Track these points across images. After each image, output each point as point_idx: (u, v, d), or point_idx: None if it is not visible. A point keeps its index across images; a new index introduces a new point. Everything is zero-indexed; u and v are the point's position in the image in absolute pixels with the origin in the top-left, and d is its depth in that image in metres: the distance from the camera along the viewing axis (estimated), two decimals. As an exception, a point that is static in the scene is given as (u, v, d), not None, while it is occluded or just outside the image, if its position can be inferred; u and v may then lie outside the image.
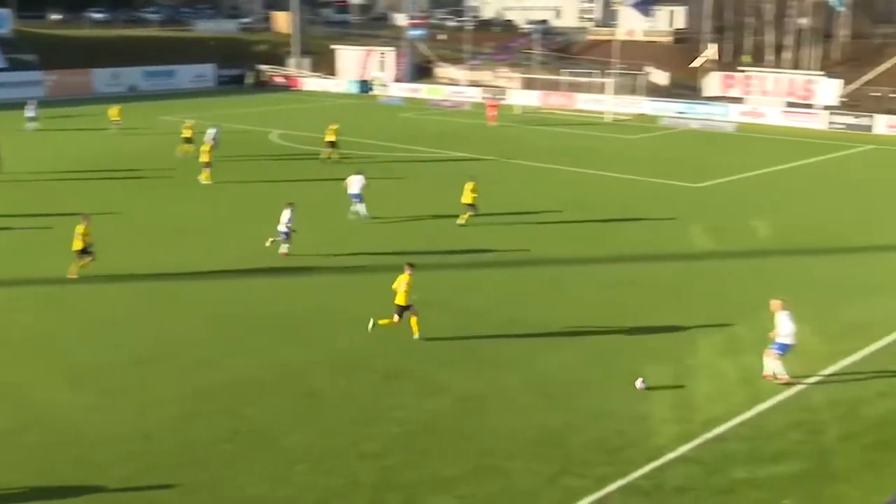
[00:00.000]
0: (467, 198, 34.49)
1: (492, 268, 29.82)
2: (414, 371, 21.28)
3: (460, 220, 34.45)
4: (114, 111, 59.51)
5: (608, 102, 71.24)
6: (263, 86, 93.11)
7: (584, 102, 74.99)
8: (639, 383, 20.11)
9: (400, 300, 23.17)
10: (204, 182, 41.82)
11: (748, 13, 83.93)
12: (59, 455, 17.23)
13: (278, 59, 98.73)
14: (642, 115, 70.91)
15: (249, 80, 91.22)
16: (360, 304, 25.53)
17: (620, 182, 43.75)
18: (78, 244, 27.90)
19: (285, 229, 30.29)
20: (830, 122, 64.34)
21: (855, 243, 32.86)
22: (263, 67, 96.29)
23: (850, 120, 63.91)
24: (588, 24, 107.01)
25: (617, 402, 19.51)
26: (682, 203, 39.07)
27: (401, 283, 23.21)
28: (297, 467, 16.75)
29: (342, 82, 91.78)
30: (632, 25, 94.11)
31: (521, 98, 76.44)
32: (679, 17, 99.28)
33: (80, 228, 28.02)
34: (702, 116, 67.94)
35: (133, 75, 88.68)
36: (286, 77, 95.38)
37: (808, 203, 39.46)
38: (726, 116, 67.71)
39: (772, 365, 20.46)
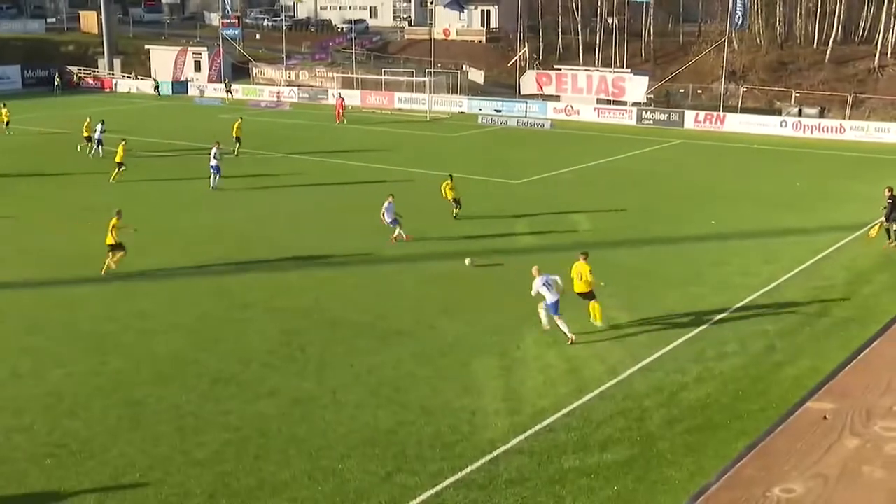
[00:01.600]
0: (448, 195, 35.74)
1: (313, 267, 29.62)
2: (241, 374, 20.90)
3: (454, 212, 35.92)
4: None
5: (427, 101, 71.85)
6: (74, 88, 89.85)
7: (403, 101, 75.40)
8: (467, 261, 23.36)
9: None
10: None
11: (559, 12, 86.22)
12: None
13: (89, 60, 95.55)
14: (461, 113, 71.79)
15: (58, 81, 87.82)
16: (176, 311, 25.12)
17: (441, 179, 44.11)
18: (111, 239, 28.04)
19: (392, 217, 31.84)
20: (641, 119, 66.59)
21: (667, 234, 34.09)
22: (73, 69, 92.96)
23: (660, 116, 66.33)
24: (404, 24, 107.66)
25: (447, 397, 19.65)
26: (502, 199, 39.72)
27: None
28: (123, 479, 16.18)
29: (157, 83, 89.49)
30: (447, 25, 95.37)
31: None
32: (492, 16, 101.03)
33: (113, 221, 27.92)
34: (519, 114, 69.27)
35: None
36: (97, 79, 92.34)
37: (621, 197, 40.67)
38: (543, 114, 69.20)
39: (556, 322, 22.57)
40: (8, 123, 59.43)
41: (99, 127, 49.69)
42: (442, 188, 35.97)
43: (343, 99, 69.53)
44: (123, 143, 43.63)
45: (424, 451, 17.23)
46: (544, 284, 22.66)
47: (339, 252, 31.29)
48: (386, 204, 32.11)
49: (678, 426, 18.21)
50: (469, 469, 16.52)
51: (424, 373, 21.03)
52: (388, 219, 31.87)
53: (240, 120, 52.12)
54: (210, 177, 41.02)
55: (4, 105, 61.27)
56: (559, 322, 22.54)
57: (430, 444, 17.52)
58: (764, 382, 20.44)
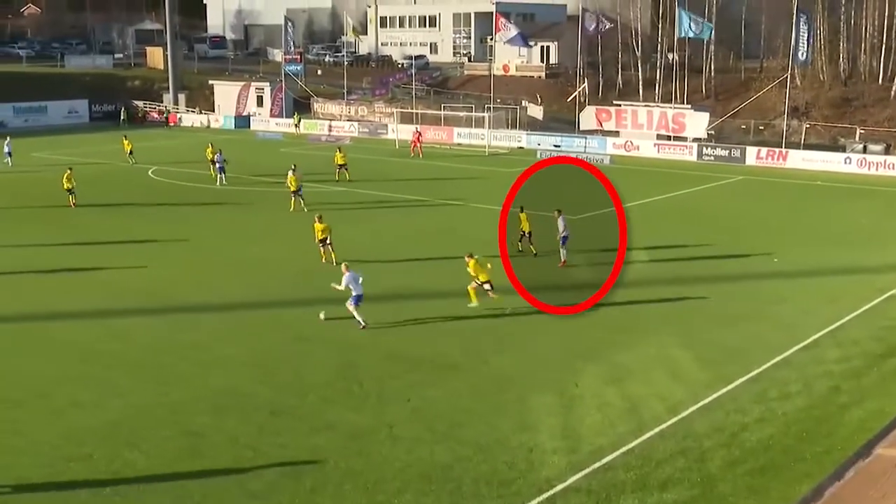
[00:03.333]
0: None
1: (369, 300, 29.61)
2: (298, 407, 20.96)
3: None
4: None
5: (486, 136, 72.00)
6: (139, 122, 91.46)
7: (462, 136, 75.61)
8: (321, 315, 26.45)
9: None
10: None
11: (619, 48, 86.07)
12: (-74, 507, 16.44)
13: (154, 95, 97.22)
14: (520, 148, 71.81)
15: (124, 116, 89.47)
16: (234, 342, 25.40)
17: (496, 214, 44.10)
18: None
19: (566, 234, 33.75)
20: (701, 154, 66.08)
21: (728, 271, 33.67)
22: (139, 103, 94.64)
23: (720, 152, 65.79)
24: (464, 60, 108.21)
25: (504, 433, 19.51)
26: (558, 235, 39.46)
27: None
28: (180, 511, 16.27)
29: (219, 117, 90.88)
30: (506, 61, 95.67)
31: (399, 132, 76.61)
32: (552, 52, 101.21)
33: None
34: (578, 149, 69.11)
35: (2, 112, 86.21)
36: (162, 112, 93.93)
37: (681, 233, 40.29)
38: (602, 149, 68.96)
39: (355, 313, 26.26)
40: (131, 153, 61.42)
41: (219, 156, 52.78)
42: (521, 219, 35.35)
43: (420, 133, 69.58)
44: (294, 168, 45.39)
45: (481, 488, 17.10)
46: (352, 280, 26.29)
47: (395, 286, 31.32)
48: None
49: (740, 467, 17.89)
50: (526, 507, 16.35)
51: (481, 408, 20.91)
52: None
53: (338, 151, 55.59)
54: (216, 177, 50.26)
55: (126, 137, 63.29)
56: (355, 312, 26.32)
57: (487, 480, 17.39)
58: (828, 424, 20.02)
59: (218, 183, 52.11)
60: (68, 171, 45.10)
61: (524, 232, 35.19)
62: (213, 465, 18.01)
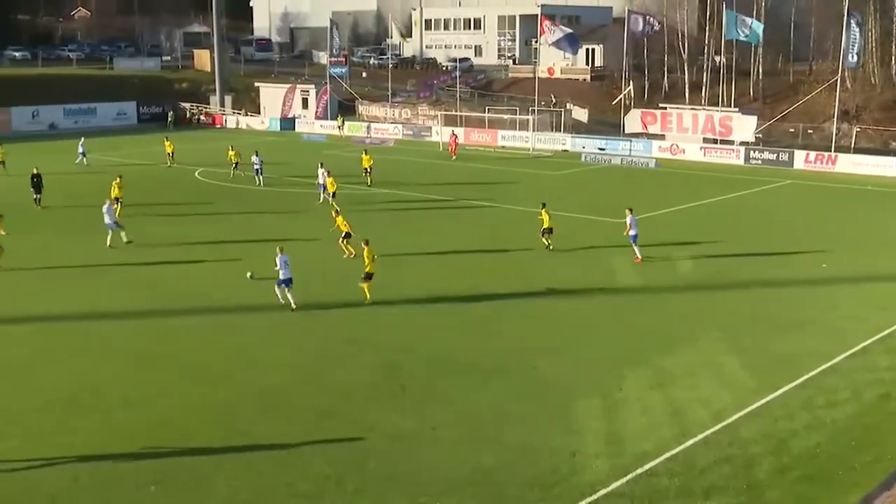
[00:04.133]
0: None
1: (414, 304, 29.71)
2: (343, 409, 21.05)
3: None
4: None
5: (530, 138, 71.86)
6: (186, 123, 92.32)
7: (506, 139, 75.50)
8: (249, 274, 29.16)
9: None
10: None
11: (665, 51, 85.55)
12: (-21, 503, 16.71)
13: (201, 97, 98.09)
14: (564, 151, 71.61)
15: (171, 118, 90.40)
16: (280, 344, 25.59)
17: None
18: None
19: (635, 232, 35.10)
20: (749, 158, 65.52)
21: (775, 277, 33.37)
22: (186, 105, 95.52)
23: (768, 155, 65.17)
24: (508, 63, 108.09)
25: (548, 437, 19.47)
26: (603, 238, 39.36)
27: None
28: (226, 510, 16.40)
29: (265, 119, 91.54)
30: (551, 63, 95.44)
31: (443, 135, 76.65)
32: (597, 55, 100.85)
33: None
34: (623, 153, 68.77)
35: (53, 113, 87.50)
36: (208, 115, 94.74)
37: (727, 238, 39.96)
38: (647, 153, 68.56)
39: (285, 295, 28.13)
40: (172, 155, 61.90)
41: (256, 157, 53.59)
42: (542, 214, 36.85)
43: (456, 136, 69.89)
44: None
45: (524, 492, 17.07)
46: (283, 263, 27.87)
47: (438, 288, 31.35)
48: None
49: (788, 475, 17.70)
50: (569, 512, 16.31)
51: (524, 412, 20.87)
52: None
53: (364, 154, 55.31)
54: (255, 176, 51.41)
55: (167, 138, 64.17)
56: (287, 294, 28.08)
57: (530, 484, 17.36)
58: (878, 433, 19.77)
59: (258, 184, 52.64)
60: (118, 179, 43.74)
61: (545, 228, 36.74)
62: (260, 465, 18.13)
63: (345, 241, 35.22)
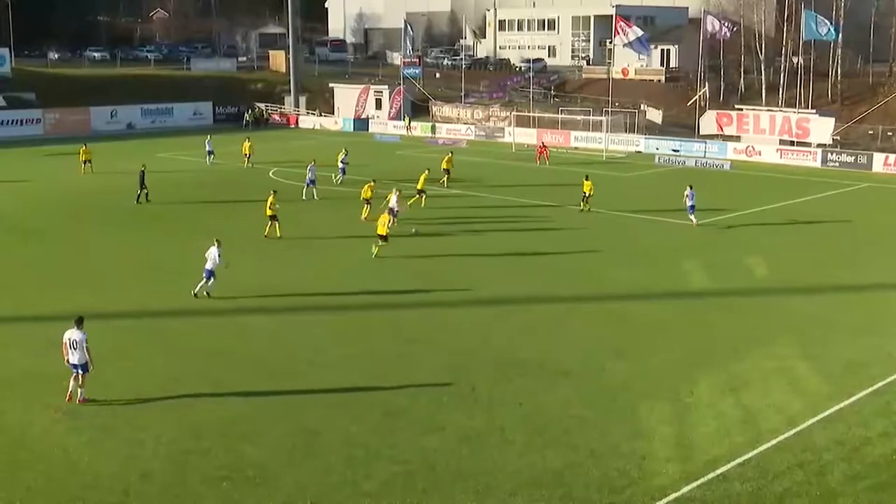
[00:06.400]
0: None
1: (480, 305, 29.68)
2: (410, 408, 21.11)
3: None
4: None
5: (604, 140, 71.41)
6: (262, 123, 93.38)
7: (580, 140, 75.10)
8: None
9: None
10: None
11: (741, 52, 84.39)
12: (57, 493, 17.05)
13: (276, 97, 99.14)
14: (638, 152, 71.05)
15: (248, 118, 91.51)
16: (348, 343, 25.73)
17: (617, 219, 43.73)
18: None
19: (692, 203, 41.17)
20: (826, 161, 64.43)
21: (850, 281, 32.78)
22: (261, 105, 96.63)
23: (846, 158, 64.02)
24: (582, 63, 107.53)
25: (616, 440, 19.33)
26: (678, 240, 39.03)
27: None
28: (294, 507, 16.54)
29: (339, 120, 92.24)
30: (625, 64, 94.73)
31: (516, 135, 76.57)
32: (671, 56, 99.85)
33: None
34: (697, 154, 68.02)
35: (131, 113, 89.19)
36: (283, 115, 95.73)
37: (803, 241, 39.41)
38: (722, 154, 67.73)
39: (208, 286, 29.71)
40: (249, 156, 62.17)
41: (342, 156, 54.38)
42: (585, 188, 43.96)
43: (545, 146, 67.47)
44: (373, 183, 43.62)
45: (592, 495, 16.98)
46: (217, 255, 29.49)
47: (506, 290, 31.30)
48: None
49: (862, 482, 17.37)
50: (638, 516, 16.19)
51: (593, 414, 20.75)
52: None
53: (450, 154, 55.65)
54: (304, 188, 48.53)
55: (248, 139, 64.38)
56: (209, 284, 29.68)
57: (598, 487, 17.25)
58: (955, 441, 19.32)
59: (336, 182, 53.06)
60: (273, 193, 39.65)
61: (585, 193, 44.39)
62: (327, 463, 18.26)
63: (378, 243, 34.94)
